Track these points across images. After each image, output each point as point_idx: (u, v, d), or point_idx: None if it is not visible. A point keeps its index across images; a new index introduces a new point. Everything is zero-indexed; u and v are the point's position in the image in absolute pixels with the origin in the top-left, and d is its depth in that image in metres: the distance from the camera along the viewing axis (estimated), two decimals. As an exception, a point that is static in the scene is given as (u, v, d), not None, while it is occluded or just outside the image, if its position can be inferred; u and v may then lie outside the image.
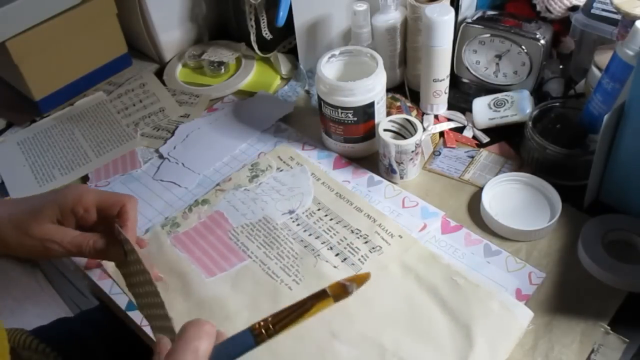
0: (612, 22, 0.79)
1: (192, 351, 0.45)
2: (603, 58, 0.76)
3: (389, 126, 0.79)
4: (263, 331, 0.47)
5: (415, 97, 0.90)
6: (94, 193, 0.64)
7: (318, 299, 0.48)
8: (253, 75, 0.99)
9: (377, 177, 0.80)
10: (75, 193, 0.63)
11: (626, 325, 0.62)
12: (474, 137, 0.84)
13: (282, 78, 0.99)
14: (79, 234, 0.63)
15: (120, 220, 0.63)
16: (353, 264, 0.69)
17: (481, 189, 0.75)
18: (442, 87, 0.85)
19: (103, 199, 0.64)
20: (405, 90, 0.92)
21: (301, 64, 0.98)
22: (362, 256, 0.70)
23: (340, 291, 0.48)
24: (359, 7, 0.83)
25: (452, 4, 0.82)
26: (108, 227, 0.63)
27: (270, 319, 0.47)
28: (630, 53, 0.67)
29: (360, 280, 0.49)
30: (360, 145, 0.81)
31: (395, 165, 0.77)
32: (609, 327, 0.61)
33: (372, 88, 0.76)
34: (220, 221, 0.76)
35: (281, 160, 0.83)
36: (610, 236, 0.69)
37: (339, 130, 0.80)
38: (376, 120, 0.79)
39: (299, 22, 0.92)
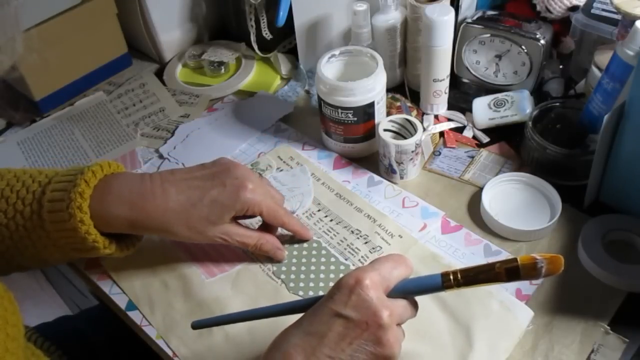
0: (612, 22, 0.79)
1: (389, 267, 0.51)
2: (603, 58, 0.76)
3: (389, 126, 0.79)
4: (452, 279, 0.50)
5: (415, 97, 0.90)
6: (265, 207, 0.66)
7: (507, 264, 0.49)
8: (253, 75, 0.99)
9: (377, 177, 0.80)
10: (249, 203, 0.64)
11: (626, 325, 0.62)
12: (474, 137, 0.84)
13: (282, 78, 0.99)
14: (244, 231, 0.67)
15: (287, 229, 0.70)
16: (353, 265, 0.69)
17: (481, 189, 0.75)
18: (442, 87, 0.85)
19: (269, 215, 0.67)
20: (405, 90, 0.92)
21: (301, 64, 0.98)
22: (362, 256, 0.70)
23: (531, 266, 0.48)
24: (359, 7, 0.83)
25: (452, 4, 0.82)
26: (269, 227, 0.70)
27: (459, 272, 0.50)
28: (630, 53, 0.67)
29: (552, 263, 0.48)
30: (360, 145, 0.81)
31: (395, 165, 0.77)
32: (609, 327, 0.61)
33: (372, 88, 0.76)
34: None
35: (281, 160, 0.83)
36: (610, 236, 0.69)
37: (339, 130, 0.80)
38: (376, 120, 0.79)
39: (299, 22, 0.92)
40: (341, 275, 0.67)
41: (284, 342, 0.50)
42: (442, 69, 0.83)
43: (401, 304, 0.51)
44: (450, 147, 0.83)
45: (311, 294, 0.66)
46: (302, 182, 0.79)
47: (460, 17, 0.85)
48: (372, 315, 0.49)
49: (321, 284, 0.67)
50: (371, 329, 0.49)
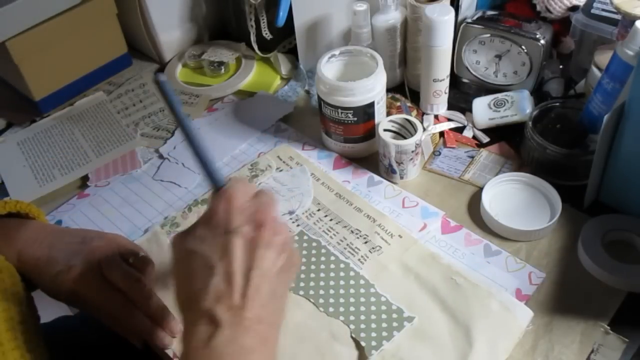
0: (612, 22, 0.79)
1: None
2: (603, 58, 0.76)
3: (389, 126, 0.79)
4: None
5: (415, 97, 0.90)
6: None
7: None
8: (253, 75, 0.99)
9: (377, 177, 0.80)
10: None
11: (626, 325, 0.62)
12: (474, 137, 0.84)
13: (282, 78, 0.99)
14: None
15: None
16: (353, 264, 0.69)
17: (481, 189, 0.75)
18: (442, 87, 0.85)
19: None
20: (405, 90, 0.92)
21: (301, 64, 0.98)
22: (362, 256, 0.70)
23: None
24: (359, 7, 0.83)
25: (452, 4, 0.82)
26: None
27: None
28: (630, 53, 0.67)
29: None
30: (360, 145, 0.81)
31: (395, 165, 0.77)
32: (609, 327, 0.61)
33: (372, 88, 0.76)
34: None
35: (281, 160, 0.83)
36: (610, 236, 0.69)
37: (339, 130, 0.80)
38: (376, 120, 0.79)
39: (299, 22, 0.92)
40: (342, 274, 0.68)
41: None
42: (442, 69, 0.82)
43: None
44: (450, 147, 0.83)
45: (311, 293, 0.66)
46: (301, 182, 0.79)
47: (460, 17, 0.85)
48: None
49: (322, 283, 0.67)
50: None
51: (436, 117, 0.88)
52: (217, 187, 0.52)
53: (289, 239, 0.52)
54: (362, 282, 0.67)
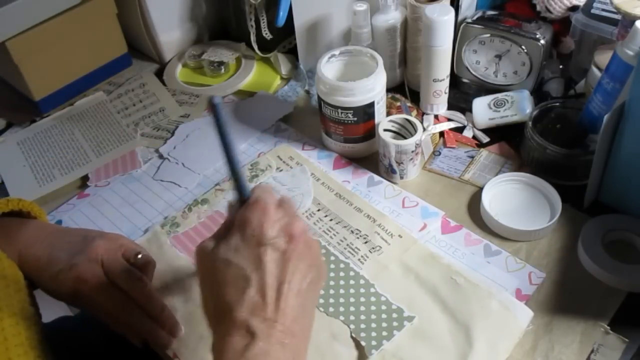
0: (612, 22, 0.79)
1: None
2: (603, 58, 0.76)
3: (389, 126, 0.79)
4: None
5: (415, 97, 0.90)
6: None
7: None
8: (253, 75, 0.99)
9: (377, 177, 0.80)
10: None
11: (626, 325, 0.62)
12: (474, 137, 0.84)
13: (282, 78, 0.99)
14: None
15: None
16: (353, 264, 0.69)
17: (481, 189, 0.75)
18: (442, 87, 0.85)
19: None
20: (405, 90, 0.92)
21: (301, 64, 0.98)
22: (362, 256, 0.70)
23: None
24: (359, 7, 0.83)
25: (452, 4, 0.82)
26: None
27: None
28: (630, 53, 0.67)
29: None
30: (360, 145, 0.81)
31: (395, 165, 0.77)
32: (609, 327, 0.61)
33: (372, 88, 0.76)
34: (220, 221, 0.75)
35: (281, 160, 0.83)
36: (610, 236, 0.69)
37: (339, 130, 0.80)
38: (376, 120, 0.79)
39: (299, 22, 0.92)
40: (342, 274, 0.68)
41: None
42: (442, 69, 0.82)
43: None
44: (450, 147, 0.83)
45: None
46: (301, 182, 0.79)
47: (460, 17, 0.85)
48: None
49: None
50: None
51: (436, 117, 0.88)
52: (244, 197, 0.52)
53: (319, 252, 0.53)
54: (362, 282, 0.67)
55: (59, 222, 0.79)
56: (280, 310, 0.47)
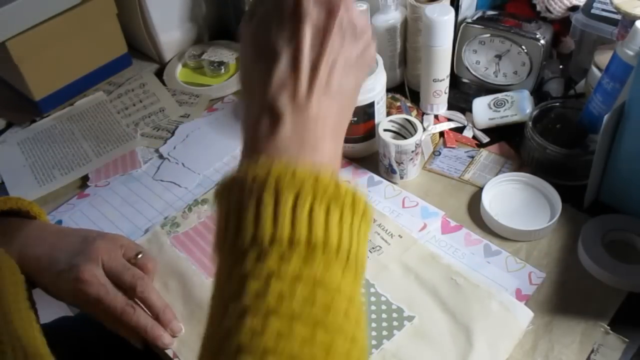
0: (612, 22, 0.79)
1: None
2: (603, 58, 0.76)
3: (389, 126, 0.79)
4: None
5: (415, 97, 0.90)
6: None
7: None
8: (253, 75, 0.99)
9: (377, 177, 0.80)
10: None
11: (626, 325, 0.62)
12: (474, 137, 0.84)
13: (282, 78, 0.99)
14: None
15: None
16: (353, 264, 0.69)
17: (481, 189, 0.75)
18: (442, 87, 0.85)
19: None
20: (405, 90, 0.92)
21: (301, 64, 0.98)
22: (362, 256, 0.70)
23: None
24: (359, 7, 0.83)
25: (452, 4, 0.82)
26: None
27: None
28: (630, 53, 0.67)
29: None
30: (360, 145, 0.81)
31: (395, 165, 0.77)
32: (609, 327, 0.61)
33: (372, 88, 0.76)
34: (220, 221, 0.75)
35: (281, 160, 0.83)
36: (610, 236, 0.69)
37: (339, 130, 0.80)
38: (376, 120, 0.79)
39: (299, 22, 0.92)
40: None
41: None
42: (442, 69, 0.82)
43: None
44: (450, 147, 0.83)
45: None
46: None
47: (460, 17, 0.85)
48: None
49: (321, 284, 0.67)
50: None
51: (436, 117, 0.88)
52: None
53: (367, 27, 0.46)
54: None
55: (59, 222, 0.79)
56: (315, 87, 0.42)
